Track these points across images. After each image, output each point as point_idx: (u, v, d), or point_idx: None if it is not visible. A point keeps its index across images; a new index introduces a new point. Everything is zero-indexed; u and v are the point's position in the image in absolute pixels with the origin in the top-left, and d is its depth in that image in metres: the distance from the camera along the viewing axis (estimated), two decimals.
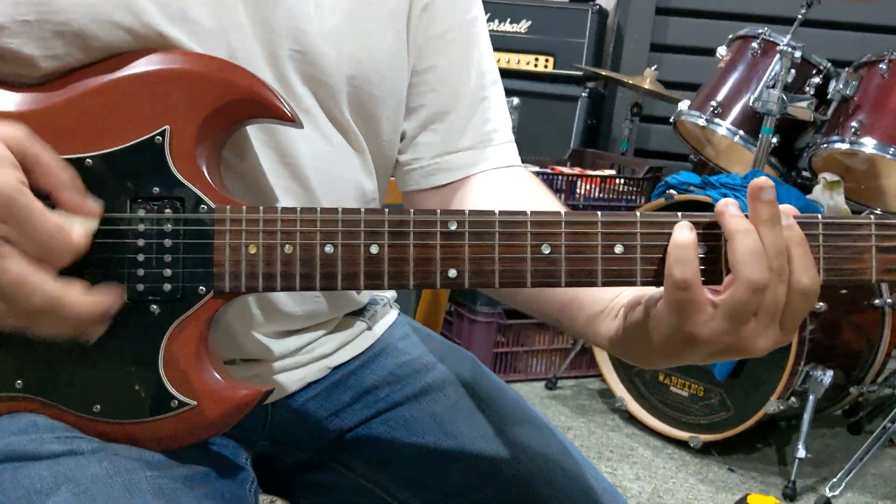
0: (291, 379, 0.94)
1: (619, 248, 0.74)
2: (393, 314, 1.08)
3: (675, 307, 0.70)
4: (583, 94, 3.18)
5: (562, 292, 0.85)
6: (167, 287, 0.74)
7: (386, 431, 0.97)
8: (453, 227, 0.74)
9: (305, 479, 0.99)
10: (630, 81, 2.93)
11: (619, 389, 2.73)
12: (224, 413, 0.75)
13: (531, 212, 0.74)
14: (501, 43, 3.23)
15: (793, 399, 2.37)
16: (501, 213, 0.74)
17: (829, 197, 2.52)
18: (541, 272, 0.74)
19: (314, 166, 0.86)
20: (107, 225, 0.73)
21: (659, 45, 3.39)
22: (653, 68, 2.96)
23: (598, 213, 0.75)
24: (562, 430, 1.01)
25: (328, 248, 0.74)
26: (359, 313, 1.03)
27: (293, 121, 0.76)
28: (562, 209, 0.87)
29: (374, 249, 0.74)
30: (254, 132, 0.83)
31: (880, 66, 2.38)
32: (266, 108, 0.75)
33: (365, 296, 1.04)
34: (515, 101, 3.09)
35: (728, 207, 0.71)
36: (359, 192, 0.92)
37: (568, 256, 0.74)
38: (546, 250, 0.74)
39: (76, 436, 0.74)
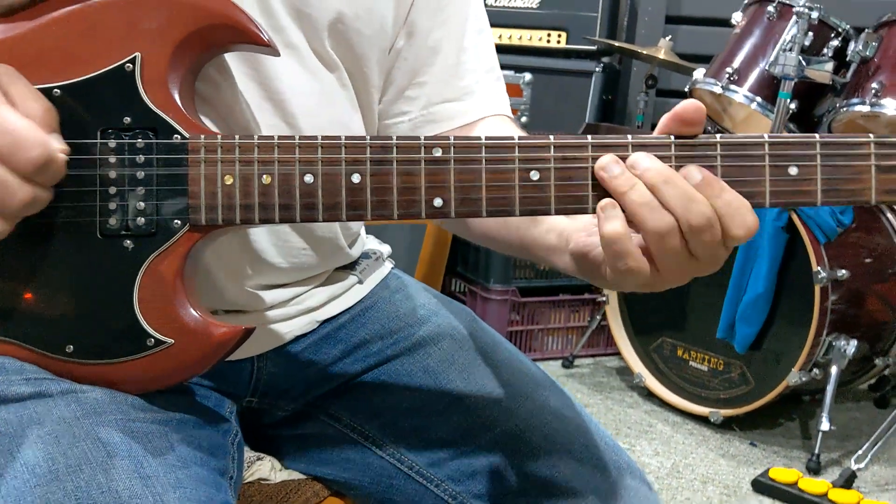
0: (279, 331, 0.91)
1: None
2: (386, 268, 1.05)
3: (611, 259, 0.68)
4: (597, 70, 3.13)
5: (515, 235, 0.85)
6: (141, 221, 0.71)
7: (376, 385, 0.94)
8: (438, 153, 0.70)
9: (291, 432, 0.96)
10: (645, 52, 2.87)
11: (637, 366, 2.68)
12: (203, 351, 0.72)
13: (518, 136, 0.71)
14: (514, 19, 3.18)
15: (815, 371, 2.32)
16: (488, 138, 0.71)
17: None
18: (529, 199, 0.71)
19: (300, 102, 0.83)
20: (76, 155, 0.70)
21: (674, 16, 3.32)
22: (667, 39, 2.90)
23: (588, 136, 0.71)
24: None
25: (308, 178, 0.71)
26: (349, 267, 1.00)
27: (269, 46, 0.73)
28: None
29: (355, 178, 0.71)
30: (237, 65, 0.79)
31: None
32: (240, 33, 0.72)
33: (356, 250, 1.00)
34: (528, 76, 3.05)
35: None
36: (346, 132, 0.89)
37: (557, 183, 0.70)
38: (535, 177, 0.70)
39: (46, 377, 0.71)
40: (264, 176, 0.71)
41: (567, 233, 0.77)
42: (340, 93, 0.87)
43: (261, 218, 0.71)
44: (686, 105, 0.69)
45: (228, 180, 0.71)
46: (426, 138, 0.70)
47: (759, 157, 0.70)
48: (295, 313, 0.92)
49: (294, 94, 0.82)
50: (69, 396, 0.70)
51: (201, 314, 0.72)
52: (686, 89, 2.65)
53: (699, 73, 2.60)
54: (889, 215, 2.58)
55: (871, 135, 0.70)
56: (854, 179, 0.70)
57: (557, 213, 0.70)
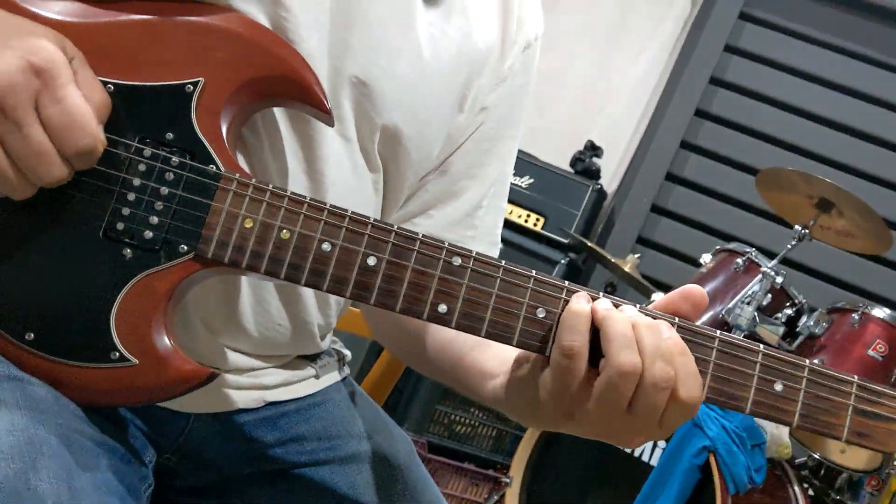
0: (225, 397, 0.88)
1: None
2: (344, 372, 1.04)
3: (557, 373, 0.68)
4: (562, 261, 3.20)
5: (458, 355, 0.86)
6: (148, 234, 0.70)
7: (299, 484, 0.91)
8: (457, 262, 0.71)
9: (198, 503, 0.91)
10: (612, 260, 2.96)
11: None
12: (163, 381, 0.69)
13: (535, 272, 0.72)
14: None
15: None
16: (507, 264, 0.72)
17: (773, 426, 2.51)
18: (529, 333, 0.71)
19: (335, 192, 0.83)
20: (108, 149, 0.70)
21: (646, 239, 3.45)
22: (636, 256, 3.00)
23: (601, 293, 0.73)
24: None
25: (326, 246, 0.70)
26: (311, 359, 0.98)
27: (328, 113, 0.74)
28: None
29: (371, 261, 0.71)
30: (289, 130, 0.80)
31: (853, 315, 2.42)
32: (304, 91, 0.73)
33: (324, 344, 0.99)
34: (498, 247, 3.11)
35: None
36: None
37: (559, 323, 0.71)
38: (541, 314, 0.71)
39: None
40: (284, 230, 0.70)
41: (510, 359, 0.78)
42: (372, 196, 0.89)
43: (267, 269, 0.70)
44: (694, 286, 0.71)
45: (248, 223, 0.70)
46: (450, 244, 0.71)
47: (751, 364, 0.72)
48: (247, 385, 0.90)
49: (333, 180, 0.83)
50: (14, 384, 0.66)
51: (172, 344, 0.70)
52: None
53: (657, 297, 2.67)
54: (796, 488, 2.61)
55: (855, 376, 0.73)
56: (831, 413, 0.72)
57: (549, 353, 0.71)
